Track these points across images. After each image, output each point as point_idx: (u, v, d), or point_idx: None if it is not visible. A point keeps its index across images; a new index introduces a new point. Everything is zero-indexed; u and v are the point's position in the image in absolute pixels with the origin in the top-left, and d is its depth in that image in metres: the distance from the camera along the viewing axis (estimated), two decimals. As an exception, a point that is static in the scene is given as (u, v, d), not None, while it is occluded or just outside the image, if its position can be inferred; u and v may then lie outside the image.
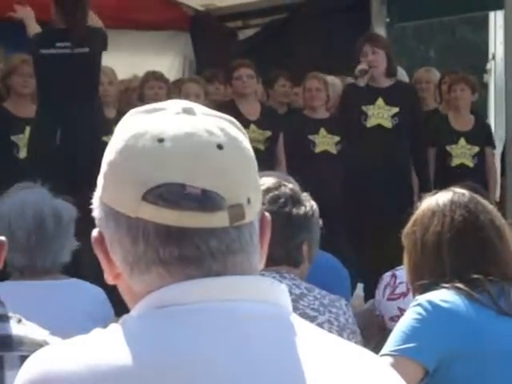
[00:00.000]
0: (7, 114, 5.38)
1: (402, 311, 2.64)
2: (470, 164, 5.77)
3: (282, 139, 5.63)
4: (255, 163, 0.99)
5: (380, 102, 5.36)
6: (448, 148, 5.83)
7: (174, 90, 5.93)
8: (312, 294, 2.24)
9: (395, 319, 2.63)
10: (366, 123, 5.34)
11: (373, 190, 5.18)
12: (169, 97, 5.55)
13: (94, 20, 5.13)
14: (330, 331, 2.12)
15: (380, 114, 5.35)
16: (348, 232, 5.37)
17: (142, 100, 5.61)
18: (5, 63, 5.63)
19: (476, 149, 5.78)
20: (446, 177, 5.22)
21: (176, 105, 1.00)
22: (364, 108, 5.35)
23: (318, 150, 5.71)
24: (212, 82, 6.29)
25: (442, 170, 5.73)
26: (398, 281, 2.71)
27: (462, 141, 5.82)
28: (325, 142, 5.76)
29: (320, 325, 2.13)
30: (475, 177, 5.17)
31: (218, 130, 0.97)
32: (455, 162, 5.81)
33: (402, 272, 2.70)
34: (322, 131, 5.76)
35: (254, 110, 5.68)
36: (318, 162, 5.53)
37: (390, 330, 2.65)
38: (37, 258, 2.44)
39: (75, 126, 4.79)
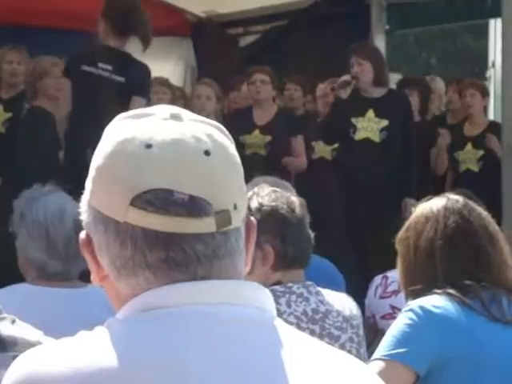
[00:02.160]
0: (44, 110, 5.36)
1: (393, 309, 2.66)
2: (475, 169, 5.73)
3: (300, 140, 5.60)
4: (241, 170, 1.00)
5: (370, 113, 5.30)
6: (455, 155, 5.80)
7: (182, 95, 5.96)
8: (335, 307, 2.25)
9: (387, 317, 2.65)
10: (355, 136, 5.30)
11: (359, 203, 5.16)
12: (173, 102, 5.59)
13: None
14: (350, 350, 2.14)
15: (369, 128, 5.30)
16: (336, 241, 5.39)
17: (147, 105, 5.64)
18: (32, 66, 5.62)
19: (480, 153, 5.73)
20: (456, 183, 5.21)
21: (164, 110, 1.01)
22: (353, 120, 5.31)
23: (314, 156, 5.76)
24: (232, 90, 6.33)
25: (454, 176, 5.71)
26: (389, 280, 2.72)
27: (469, 146, 5.79)
28: (324, 149, 5.80)
29: (342, 345, 2.16)
30: (480, 181, 5.15)
31: (205, 136, 0.98)
32: (462, 168, 5.78)
33: (394, 273, 2.71)
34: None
35: (266, 115, 5.69)
36: (313, 168, 5.59)
37: (381, 329, 2.67)
38: (72, 266, 2.38)
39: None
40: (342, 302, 2.29)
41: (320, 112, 6.19)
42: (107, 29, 4.89)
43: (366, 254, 4.76)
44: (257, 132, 5.56)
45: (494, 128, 5.79)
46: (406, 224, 2.16)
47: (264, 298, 1.00)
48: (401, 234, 2.16)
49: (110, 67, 4.94)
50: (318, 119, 6.06)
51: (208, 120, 1.01)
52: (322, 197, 5.12)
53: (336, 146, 5.73)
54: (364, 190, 5.10)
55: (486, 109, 6.05)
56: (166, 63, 7.61)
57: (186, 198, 0.94)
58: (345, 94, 5.36)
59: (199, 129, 0.98)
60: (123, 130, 0.99)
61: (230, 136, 1.02)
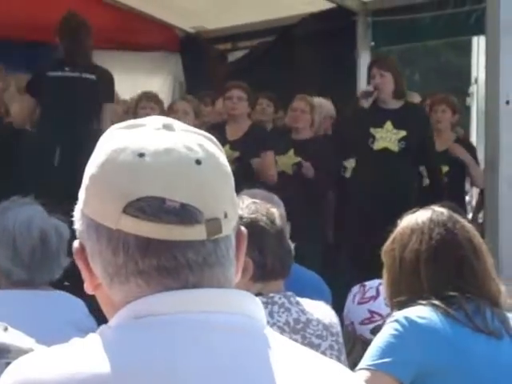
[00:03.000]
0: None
1: (372, 313, 2.68)
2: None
3: (271, 156, 5.65)
4: (232, 179, 1.02)
5: (388, 125, 5.37)
6: (421, 169, 5.87)
7: (167, 111, 6.00)
8: (315, 316, 2.27)
9: (365, 322, 2.67)
10: (374, 146, 5.37)
11: (374, 213, 5.20)
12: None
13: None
14: (331, 358, 2.17)
15: (388, 138, 5.37)
16: (348, 253, 5.44)
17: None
18: (4, 82, 5.69)
19: (446, 168, 5.81)
20: (421, 196, 5.26)
21: (156, 121, 1.02)
22: (372, 130, 5.38)
23: (279, 169, 5.82)
24: (206, 104, 6.36)
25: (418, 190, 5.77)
26: (367, 287, 2.74)
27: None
28: (285, 163, 5.86)
29: (323, 353, 2.18)
30: (446, 195, 5.22)
31: (197, 146, 0.99)
32: (426, 182, 5.84)
33: (371, 281, 2.74)
34: (291, 152, 5.85)
35: (238, 130, 5.74)
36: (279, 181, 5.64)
37: (359, 335, 2.70)
38: (36, 275, 2.45)
39: (74, 146, 4.82)
40: (321, 311, 2.32)
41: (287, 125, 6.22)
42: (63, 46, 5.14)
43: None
44: (227, 147, 5.60)
45: (461, 144, 5.89)
46: (392, 236, 2.18)
47: (254, 306, 1.01)
48: (387, 245, 2.19)
49: (78, 68, 5.05)
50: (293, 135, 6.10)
51: (199, 131, 1.03)
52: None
53: (298, 159, 5.79)
54: (380, 201, 5.16)
55: (454, 125, 6.11)
56: (154, 78, 7.67)
57: (178, 206, 0.95)
58: (367, 103, 5.43)
59: (191, 139, 1.00)
60: (116, 139, 1.00)
61: (220, 146, 1.04)
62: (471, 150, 6.06)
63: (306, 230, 5.20)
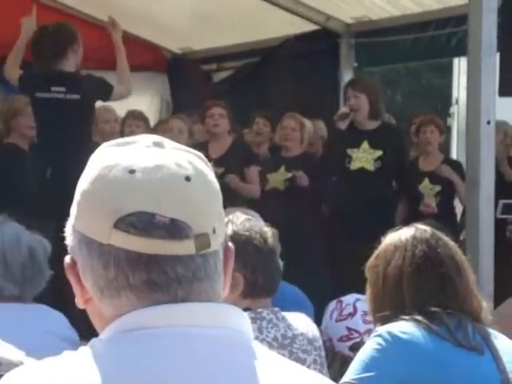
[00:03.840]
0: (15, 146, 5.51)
1: (350, 330, 2.70)
2: (433, 203, 5.88)
3: (254, 170, 5.71)
4: (220, 196, 1.04)
5: (365, 145, 5.46)
6: (413, 189, 5.95)
7: (157, 130, 6.03)
8: (299, 330, 2.30)
9: (344, 339, 2.69)
10: (350, 166, 5.45)
11: (353, 232, 5.26)
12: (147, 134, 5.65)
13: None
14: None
15: (364, 158, 5.45)
16: (327, 270, 5.47)
17: (122, 137, 5.73)
18: (5, 104, 5.71)
19: (437, 188, 5.89)
20: (412, 217, 5.33)
21: (147, 139, 1.04)
22: (349, 151, 5.46)
23: (267, 187, 5.86)
24: (195, 122, 6.41)
25: (413, 211, 5.83)
26: (344, 304, 2.77)
27: (426, 181, 5.94)
28: (277, 179, 5.90)
29: (308, 367, 2.21)
30: (438, 216, 5.28)
31: (187, 163, 1.01)
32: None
33: (348, 297, 2.77)
34: (282, 169, 5.90)
35: (220, 148, 5.77)
36: (266, 198, 5.69)
37: (338, 352, 2.73)
38: (27, 289, 2.51)
39: (65, 165, 4.84)
40: (304, 324, 2.35)
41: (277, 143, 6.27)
42: (48, 48, 5.13)
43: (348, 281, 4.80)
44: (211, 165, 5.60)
45: (448, 164, 5.96)
46: (376, 252, 2.22)
47: (242, 320, 1.02)
48: (370, 261, 2.21)
49: (62, 89, 5.08)
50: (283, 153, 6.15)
51: (189, 148, 1.05)
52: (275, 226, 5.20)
53: (289, 175, 5.84)
54: (358, 219, 5.21)
55: (442, 145, 6.19)
56: (142, 98, 7.71)
57: (168, 221, 0.97)
58: (344, 125, 5.50)
59: (181, 156, 1.02)
60: (107, 156, 1.02)
61: (209, 164, 1.06)
62: (458, 168, 6.15)
63: (300, 245, 5.25)
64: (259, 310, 2.29)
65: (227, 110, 5.80)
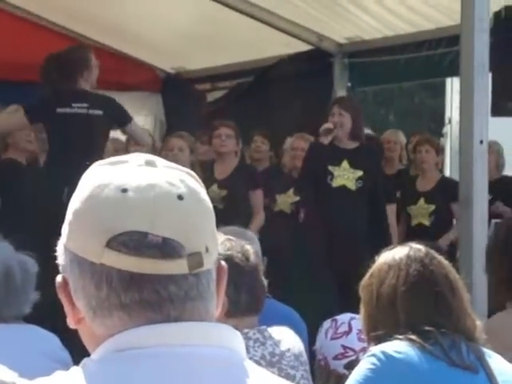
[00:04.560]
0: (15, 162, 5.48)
1: (345, 348, 2.70)
2: (427, 222, 5.89)
3: (259, 195, 5.73)
4: (213, 214, 1.04)
5: (345, 164, 5.48)
6: (408, 209, 5.97)
7: (161, 148, 6.06)
8: (286, 346, 2.30)
9: (339, 357, 2.69)
10: (332, 183, 5.47)
11: (332, 249, 5.28)
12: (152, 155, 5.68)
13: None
14: None
15: (345, 176, 5.47)
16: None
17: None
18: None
19: (432, 207, 5.90)
20: (408, 237, 5.34)
21: (139, 158, 1.04)
22: (330, 168, 5.48)
23: (276, 209, 5.87)
24: (203, 143, 6.44)
25: (406, 230, 5.85)
26: (339, 323, 2.76)
27: (422, 200, 5.96)
28: (284, 202, 5.91)
29: (298, 383, 2.21)
30: (431, 235, 5.30)
31: (179, 181, 1.01)
32: (414, 221, 5.94)
33: (343, 316, 2.77)
34: (291, 191, 5.91)
35: (226, 169, 5.78)
36: (275, 220, 5.69)
37: (333, 370, 2.72)
38: (3, 309, 2.49)
39: None
40: (289, 339, 2.35)
41: (286, 165, 6.30)
42: (58, 76, 5.13)
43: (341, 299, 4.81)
44: (215, 186, 5.64)
45: (445, 183, 5.98)
46: (370, 271, 2.22)
47: (235, 339, 1.02)
48: (364, 280, 2.22)
49: (85, 104, 5.07)
50: (285, 171, 6.17)
51: (181, 167, 1.05)
52: (279, 248, 5.21)
53: (296, 199, 5.84)
54: (340, 237, 5.22)
55: (438, 165, 6.22)
56: (135, 117, 7.68)
57: (160, 240, 0.97)
58: (327, 140, 5.52)
59: (173, 175, 1.02)
60: (100, 175, 1.02)
61: (201, 182, 1.05)
62: (454, 185, 6.16)
63: (300, 269, 5.25)
64: (245, 330, 2.29)
65: (235, 130, 5.82)
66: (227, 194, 5.57)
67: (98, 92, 5.33)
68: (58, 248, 1.04)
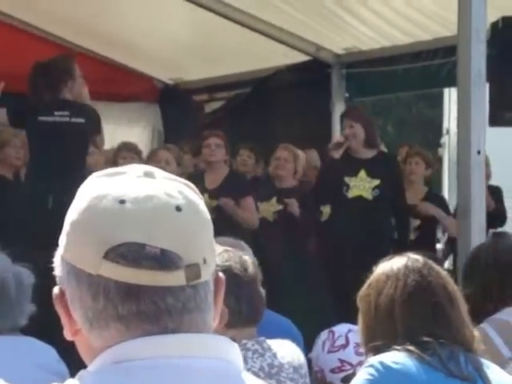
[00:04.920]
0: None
1: (342, 362, 2.69)
2: (412, 237, 5.86)
3: (250, 200, 5.73)
4: (211, 225, 1.04)
5: (362, 173, 5.48)
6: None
7: (147, 160, 6.07)
8: (286, 359, 2.29)
9: (336, 371, 2.68)
10: (348, 194, 5.47)
11: (348, 259, 5.26)
12: None
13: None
14: None
15: (361, 186, 5.47)
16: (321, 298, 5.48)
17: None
18: None
19: (417, 222, 5.89)
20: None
21: (137, 169, 1.03)
22: (346, 179, 5.48)
23: (260, 215, 5.87)
24: (185, 153, 6.45)
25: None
26: (336, 335, 2.75)
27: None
28: (267, 210, 5.92)
29: None
30: (414, 249, 5.28)
31: (177, 193, 1.01)
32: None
33: (340, 328, 2.76)
34: (274, 200, 5.92)
35: (217, 179, 5.79)
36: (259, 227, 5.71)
37: (330, 383, 2.71)
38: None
39: (67, 193, 4.82)
40: (290, 352, 2.35)
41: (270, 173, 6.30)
42: (42, 85, 5.18)
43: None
44: (206, 196, 5.65)
45: (431, 197, 5.98)
46: (368, 281, 2.21)
47: (232, 351, 1.01)
48: (362, 291, 2.22)
49: (67, 112, 5.11)
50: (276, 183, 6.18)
51: (180, 178, 1.05)
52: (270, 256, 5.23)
53: (280, 207, 5.84)
54: (356, 247, 5.22)
55: (426, 179, 6.22)
56: (134, 128, 7.76)
57: (158, 252, 0.97)
58: (337, 154, 5.53)
59: (171, 186, 1.02)
60: (97, 186, 1.02)
61: (199, 193, 1.06)
62: (440, 200, 6.17)
63: (287, 276, 5.25)
64: (244, 341, 2.28)
65: (224, 140, 5.83)
66: (218, 204, 5.58)
67: (78, 102, 5.36)
68: (55, 259, 1.03)
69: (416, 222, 5.86)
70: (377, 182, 5.46)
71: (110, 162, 6.05)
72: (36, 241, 4.46)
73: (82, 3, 6.61)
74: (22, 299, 2.49)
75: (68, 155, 5.04)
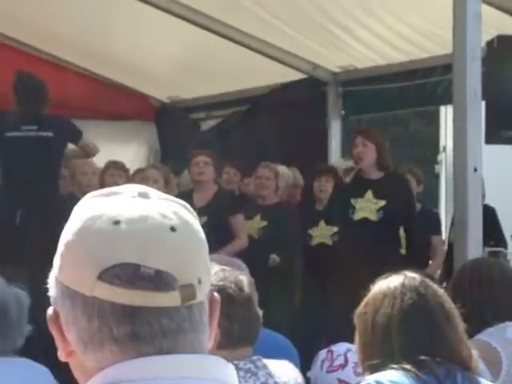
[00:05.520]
0: None
1: (341, 382, 2.69)
2: (403, 252, 5.86)
3: (240, 219, 5.76)
4: (206, 245, 1.04)
5: (369, 194, 5.45)
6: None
7: (135, 178, 6.09)
8: (282, 378, 2.28)
9: None
10: (354, 216, 5.46)
11: (355, 280, 5.23)
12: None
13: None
14: None
15: (367, 208, 5.45)
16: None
17: (103, 186, 5.77)
18: None
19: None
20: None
21: (132, 189, 1.03)
22: (353, 201, 5.46)
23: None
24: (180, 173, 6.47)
25: None
26: (335, 354, 2.75)
27: (400, 231, 5.95)
28: (252, 227, 5.94)
29: None
30: (407, 266, 5.28)
31: (172, 213, 1.00)
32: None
33: (339, 347, 2.76)
34: (258, 217, 5.94)
35: (205, 196, 5.80)
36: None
37: None
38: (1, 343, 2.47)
39: (35, 207, 4.83)
40: (287, 372, 2.33)
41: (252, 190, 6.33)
42: (16, 100, 5.25)
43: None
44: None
45: (423, 214, 6.00)
46: (365, 300, 2.21)
47: (227, 371, 1.01)
48: (359, 309, 2.21)
49: (34, 127, 5.14)
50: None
51: (174, 198, 1.04)
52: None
53: (264, 223, 5.85)
54: (361, 269, 5.21)
55: (419, 195, 6.24)
56: (130, 146, 7.78)
57: (153, 273, 0.96)
58: (348, 178, 5.54)
59: (165, 206, 1.01)
60: (92, 207, 1.01)
61: (194, 213, 1.05)
62: (433, 216, 6.18)
63: (272, 294, 5.24)
64: (235, 361, 2.27)
65: (212, 158, 5.86)
66: (207, 221, 5.59)
67: (49, 114, 5.38)
68: (49, 280, 1.02)
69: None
70: (383, 202, 5.43)
71: (98, 179, 6.08)
72: (2, 256, 4.47)
73: (79, 22, 6.64)
74: (21, 320, 2.49)
75: (35, 168, 5.07)
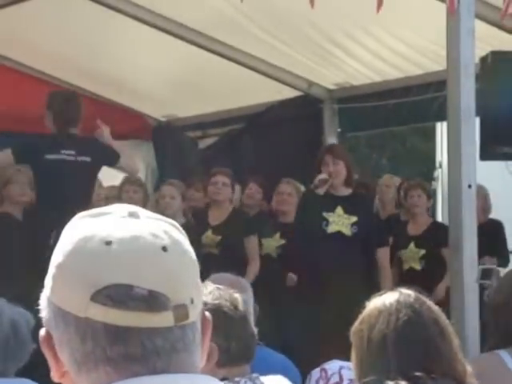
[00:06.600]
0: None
1: None
2: (418, 267, 5.91)
3: (254, 241, 5.78)
4: (197, 265, 1.03)
5: (339, 210, 5.51)
6: (399, 253, 6.00)
7: (124, 185, 6.12)
8: None
9: None
10: (327, 229, 5.49)
11: (327, 294, 5.27)
12: (145, 201, 5.82)
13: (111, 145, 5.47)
14: None
15: (340, 222, 5.49)
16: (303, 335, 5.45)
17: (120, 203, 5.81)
18: None
19: (422, 252, 5.93)
20: (400, 281, 5.35)
21: (122, 209, 1.03)
22: (325, 214, 5.50)
23: (261, 252, 5.90)
24: (189, 188, 6.47)
25: (398, 274, 5.87)
26: (329, 373, 2.74)
27: (412, 245, 5.99)
28: (270, 246, 5.95)
29: None
30: (422, 279, 5.31)
31: (163, 232, 1.01)
32: (405, 266, 5.97)
33: (332, 365, 2.76)
34: (277, 235, 5.94)
35: (220, 215, 5.83)
36: (261, 263, 5.74)
37: None
38: (10, 364, 2.48)
39: None
40: None
41: (273, 208, 6.33)
42: (52, 120, 5.26)
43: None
44: (209, 232, 5.69)
45: (435, 227, 6.01)
46: (360, 317, 2.22)
47: None
48: (355, 326, 2.22)
49: (73, 152, 5.16)
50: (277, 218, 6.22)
51: (164, 217, 1.05)
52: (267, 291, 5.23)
53: (283, 242, 5.85)
54: (333, 282, 5.23)
55: (429, 209, 6.28)
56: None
57: (145, 293, 0.96)
58: (322, 190, 5.55)
59: (156, 226, 1.02)
60: (83, 228, 1.01)
61: (184, 233, 1.05)
62: (445, 229, 6.19)
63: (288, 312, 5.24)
64: (236, 379, 2.28)
65: (231, 178, 5.89)
66: (222, 240, 5.62)
67: (86, 136, 5.41)
68: (41, 301, 1.03)
69: (421, 252, 5.89)
70: (354, 218, 5.49)
71: (115, 197, 6.08)
72: (39, 278, 4.44)
73: (74, 42, 6.67)
74: (29, 340, 2.49)
75: (72, 193, 5.08)
